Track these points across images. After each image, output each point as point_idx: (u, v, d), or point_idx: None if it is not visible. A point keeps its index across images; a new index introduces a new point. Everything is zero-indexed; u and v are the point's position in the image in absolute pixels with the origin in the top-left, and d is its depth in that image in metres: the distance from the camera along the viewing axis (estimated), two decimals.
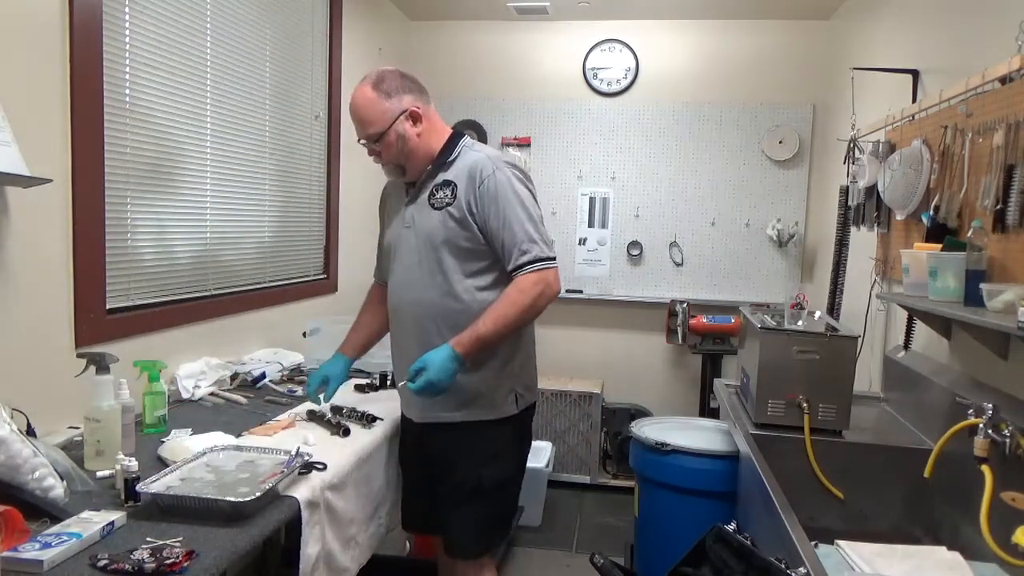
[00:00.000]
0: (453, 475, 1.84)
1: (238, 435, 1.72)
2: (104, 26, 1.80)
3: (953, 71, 2.21)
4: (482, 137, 4.06)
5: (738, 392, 2.45)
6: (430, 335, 1.78)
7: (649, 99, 3.96)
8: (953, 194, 1.97)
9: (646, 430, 2.58)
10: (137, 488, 1.28)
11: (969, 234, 1.76)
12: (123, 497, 1.30)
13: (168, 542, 1.16)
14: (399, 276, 1.87)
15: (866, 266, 2.77)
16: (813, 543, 1.35)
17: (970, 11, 2.14)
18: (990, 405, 1.56)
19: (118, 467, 1.32)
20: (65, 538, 1.14)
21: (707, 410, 3.64)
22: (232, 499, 1.27)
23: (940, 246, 1.89)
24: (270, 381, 2.27)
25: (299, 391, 2.20)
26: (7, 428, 1.22)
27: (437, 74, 4.06)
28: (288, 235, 2.86)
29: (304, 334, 2.62)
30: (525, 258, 1.73)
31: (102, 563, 1.09)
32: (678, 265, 3.99)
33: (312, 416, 1.92)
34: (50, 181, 1.58)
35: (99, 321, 1.83)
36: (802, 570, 1.22)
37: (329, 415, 1.90)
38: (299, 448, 1.55)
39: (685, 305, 3.73)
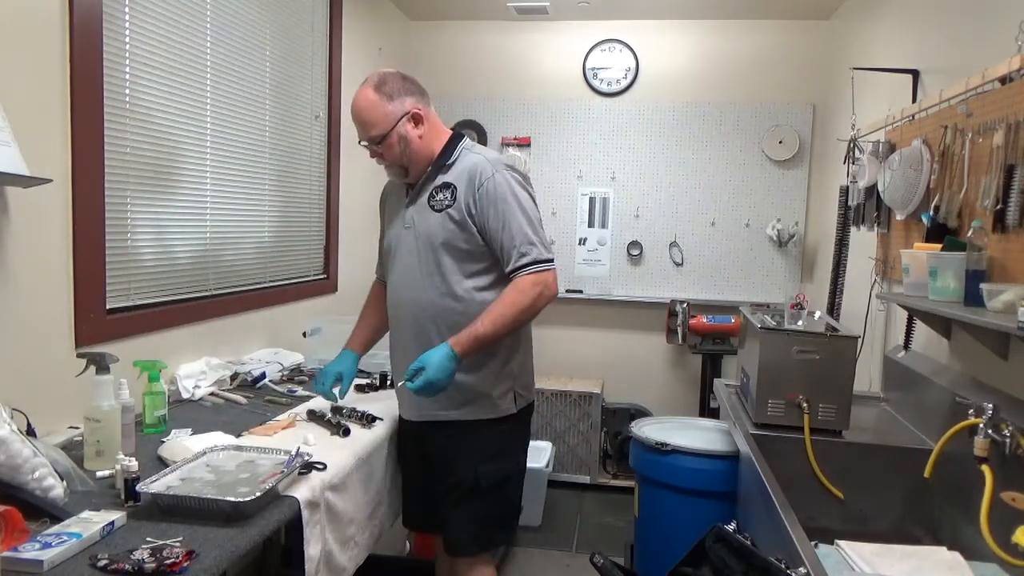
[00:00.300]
0: (451, 474, 1.84)
1: (238, 435, 1.72)
2: (104, 26, 1.80)
3: (953, 71, 2.21)
4: (482, 137, 4.06)
5: (738, 392, 2.45)
6: (429, 335, 1.79)
7: (649, 99, 3.96)
8: (953, 194, 1.97)
9: (646, 430, 2.58)
10: (137, 488, 1.28)
11: (969, 234, 1.76)
12: (123, 497, 1.30)
13: (168, 542, 1.16)
14: (398, 276, 1.88)
15: (866, 266, 2.77)
16: (813, 543, 1.36)
17: (970, 11, 2.14)
18: (990, 405, 1.56)
19: (118, 467, 1.32)
20: (65, 538, 1.14)
21: (707, 410, 3.64)
22: (232, 499, 1.27)
23: (940, 246, 1.89)
24: (270, 381, 2.27)
25: (299, 391, 2.20)
26: (7, 428, 1.22)
27: (437, 74, 4.06)
28: (288, 235, 2.86)
29: (304, 334, 2.62)
30: (524, 260, 1.74)
31: (102, 563, 1.09)
32: (678, 265, 3.99)
33: (312, 416, 1.92)
34: (50, 181, 1.58)
35: (99, 321, 1.83)
36: (802, 570, 1.22)
37: (329, 415, 1.90)
38: (299, 448, 1.55)
39: (685, 305, 3.73)
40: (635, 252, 4.00)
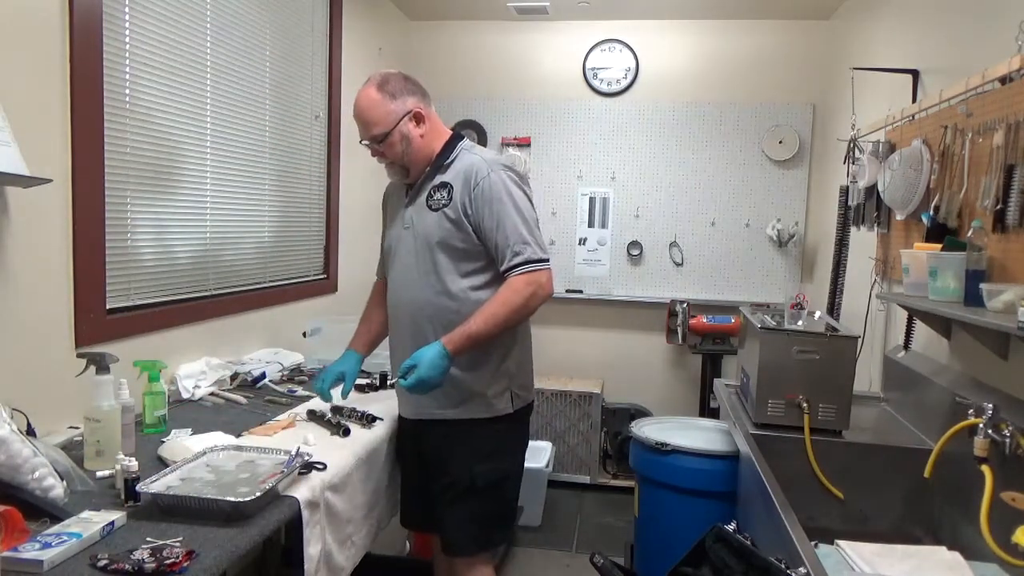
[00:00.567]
0: (447, 473, 1.85)
1: (238, 435, 1.72)
2: (104, 26, 1.80)
3: (953, 71, 2.21)
4: (482, 137, 4.06)
5: (738, 392, 2.45)
6: (425, 334, 1.80)
7: (649, 99, 3.96)
8: (953, 194, 1.97)
9: (646, 430, 2.58)
10: (137, 488, 1.28)
11: (969, 234, 1.76)
12: (123, 497, 1.30)
13: (168, 542, 1.16)
14: (397, 276, 1.89)
15: (866, 266, 2.77)
16: (813, 543, 1.36)
17: (970, 11, 2.14)
18: (990, 405, 1.56)
19: (118, 467, 1.32)
20: (65, 538, 1.14)
21: (707, 410, 3.64)
22: (232, 499, 1.27)
23: (940, 246, 1.89)
24: (270, 381, 2.27)
25: (299, 391, 2.20)
26: (7, 428, 1.22)
27: (437, 74, 4.06)
28: (288, 235, 2.86)
29: (304, 334, 2.62)
30: (518, 259, 1.74)
31: (102, 563, 1.09)
32: (678, 265, 3.99)
33: (312, 416, 1.92)
34: (50, 181, 1.58)
35: (99, 321, 1.83)
36: (802, 570, 1.22)
37: (329, 415, 1.90)
38: (299, 448, 1.55)
39: (685, 305, 3.73)
40: (635, 252, 4.00)
